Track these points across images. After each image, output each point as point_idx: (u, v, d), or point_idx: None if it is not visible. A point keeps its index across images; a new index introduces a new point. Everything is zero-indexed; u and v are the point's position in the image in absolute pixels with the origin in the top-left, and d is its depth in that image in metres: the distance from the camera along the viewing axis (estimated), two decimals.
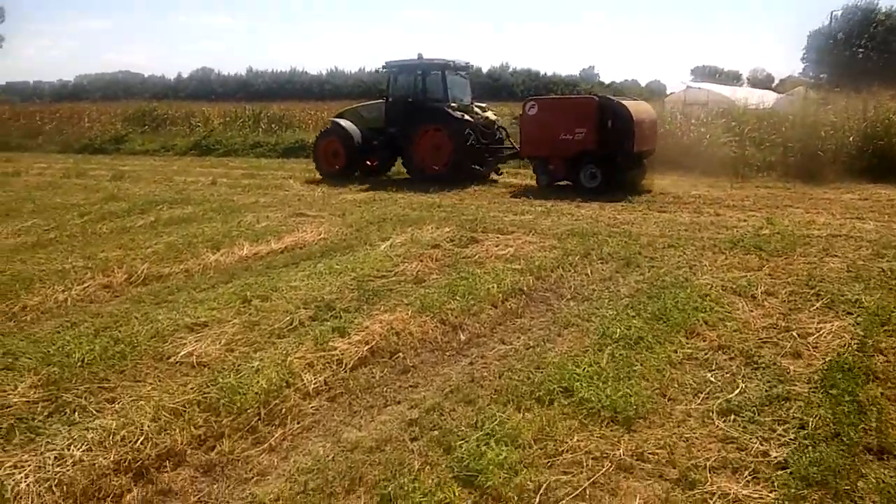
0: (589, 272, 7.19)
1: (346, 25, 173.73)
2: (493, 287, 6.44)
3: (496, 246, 8.39)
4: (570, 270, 7.25)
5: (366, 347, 4.94)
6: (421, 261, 7.65)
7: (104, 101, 45.11)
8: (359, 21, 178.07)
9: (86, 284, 6.71)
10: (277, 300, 6.09)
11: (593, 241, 8.62)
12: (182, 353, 4.86)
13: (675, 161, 16.03)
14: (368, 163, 16.77)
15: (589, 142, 13.26)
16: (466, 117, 15.06)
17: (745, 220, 10.12)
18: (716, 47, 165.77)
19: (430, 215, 10.68)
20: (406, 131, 15.41)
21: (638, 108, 13.92)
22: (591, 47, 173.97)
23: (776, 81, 57.62)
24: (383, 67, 16.66)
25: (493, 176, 16.30)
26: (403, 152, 15.77)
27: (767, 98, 24.09)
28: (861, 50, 50.19)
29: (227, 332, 5.29)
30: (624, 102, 13.53)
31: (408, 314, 5.59)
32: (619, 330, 5.21)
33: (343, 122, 16.57)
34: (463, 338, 5.29)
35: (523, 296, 6.38)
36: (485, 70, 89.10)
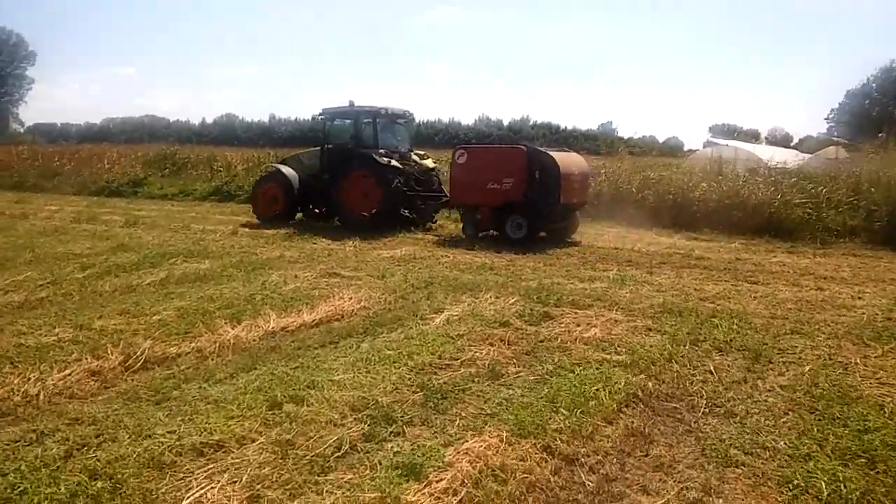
0: (712, 369, 5.59)
1: (371, 75, 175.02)
2: (599, 390, 4.87)
3: (577, 325, 6.83)
4: (686, 366, 5.66)
5: (455, 501, 3.35)
6: (491, 344, 6.10)
7: (128, 144, 44.29)
8: (383, 73, 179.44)
9: (69, 370, 5.19)
10: (316, 404, 4.55)
11: (694, 321, 7.04)
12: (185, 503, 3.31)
13: (741, 224, 14.57)
14: (316, 210, 16.68)
15: (516, 192, 12.90)
16: (394, 163, 14.77)
17: (860, 298, 8.51)
18: (732, 106, 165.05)
19: (483, 280, 9.16)
20: (336, 177, 15.29)
21: (567, 160, 13.50)
22: (609, 103, 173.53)
23: (794, 141, 56.42)
24: (319, 115, 16.43)
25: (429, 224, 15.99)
26: (333, 198, 15.45)
27: (790, 157, 22.54)
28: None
29: (251, 460, 3.74)
30: (553, 154, 13.01)
31: (499, 438, 4.01)
32: (820, 482, 3.59)
33: (283, 168, 16.72)
34: (587, 482, 3.69)
35: (642, 405, 4.79)
36: (506, 122, 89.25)
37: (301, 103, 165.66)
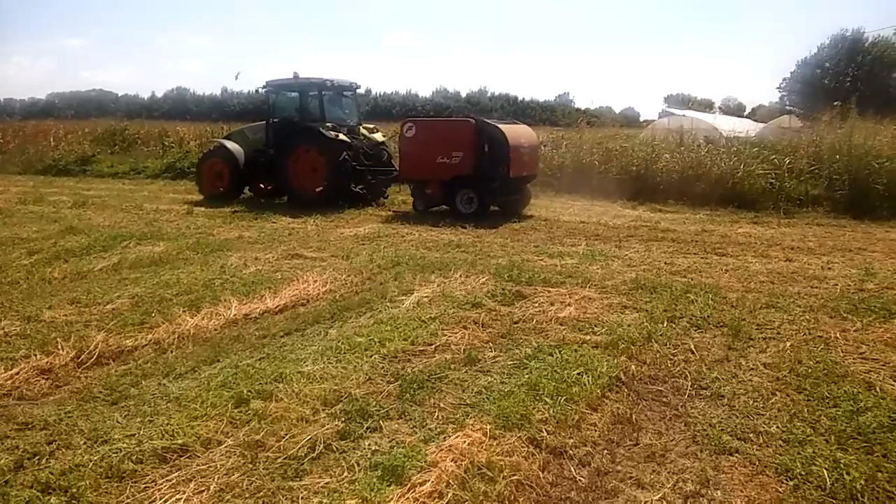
0: (693, 348, 5.45)
1: (328, 47, 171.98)
2: (581, 375, 4.68)
3: (551, 304, 6.64)
4: (666, 345, 5.51)
5: None
6: (465, 327, 5.88)
7: (76, 120, 42.61)
8: (340, 44, 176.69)
9: (17, 369, 4.83)
10: (286, 399, 4.28)
11: (669, 297, 6.91)
12: None
13: (704, 195, 14.56)
14: (262, 186, 16.32)
15: (465, 166, 12.73)
16: (342, 137, 14.49)
17: (829, 269, 8.48)
18: (686, 75, 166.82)
19: (451, 258, 8.91)
20: (282, 152, 14.90)
21: (516, 132, 13.28)
22: (566, 74, 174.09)
23: (747, 110, 57.15)
24: (263, 87, 15.81)
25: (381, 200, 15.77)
26: (280, 174, 15.08)
27: (746, 126, 22.66)
28: (848, 80, 49.60)
29: (218, 465, 3.47)
30: (501, 126, 12.81)
31: (482, 432, 3.79)
32: (821, 469, 3.45)
33: (228, 143, 16.21)
34: (578, 477, 3.49)
35: (626, 389, 4.62)
36: (463, 94, 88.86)
37: (255, 76, 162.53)
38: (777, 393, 4.55)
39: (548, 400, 4.24)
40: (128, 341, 5.46)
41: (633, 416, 4.21)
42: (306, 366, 4.85)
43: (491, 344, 5.51)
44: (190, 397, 4.31)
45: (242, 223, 12.30)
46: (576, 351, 5.22)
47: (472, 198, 12.92)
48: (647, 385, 4.71)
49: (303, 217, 13.00)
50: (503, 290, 7.13)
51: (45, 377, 4.82)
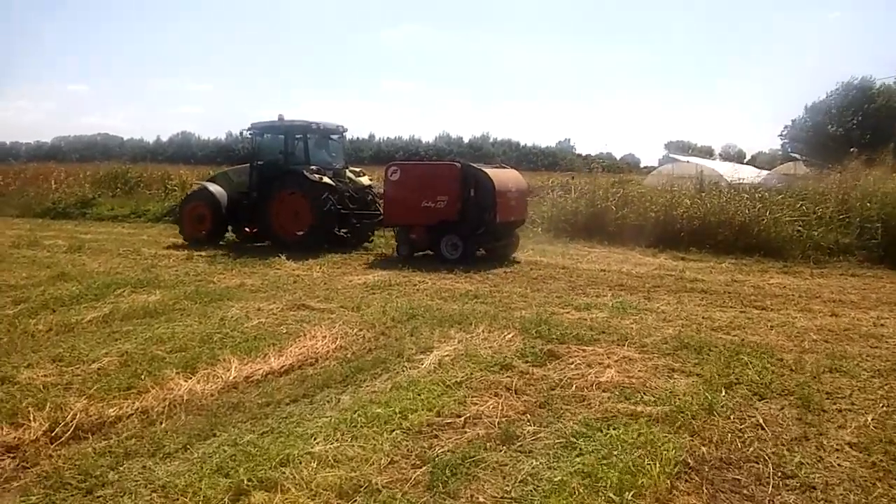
0: (762, 422, 4.72)
1: (327, 94, 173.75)
2: (643, 459, 3.96)
3: (588, 366, 5.93)
4: (730, 419, 4.78)
5: None
6: (496, 394, 5.17)
7: (80, 164, 42.22)
8: (340, 91, 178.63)
9: None
10: (294, 490, 3.56)
11: (718, 359, 6.19)
12: None
13: (727, 242, 13.91)
14: (246, 229, 15.75)
15: (451, 211, 12.33)
16: (326, 180, 14.12)
17: (882, 325, 7.80)
18: (686, 123, 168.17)
19: (471, 310, 8.21)
20: (265, 195, 14.58)
21: (504, 176, 12.95)
22: (567, 120, 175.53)
23: (747, 157, 56.93)
24: (248, 129, 15.73)
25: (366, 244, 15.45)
26: (262, 217, 14.75)
27: (750, 173, 22.14)
28: (855, 126, 49.34)
29: None
30: (487, 170, 12.51)
31: None
32: None
33: (210, 186, 15.91)
34: None
35: (696, 477, 3.89)
36: (466, 140, 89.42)
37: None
38: (877, 483, 3.82)
39: (612, 496, 3.51)
40: (111, 410, 4.74)
41: None
42: (317, 444, 4.14)
43: (528, 416, 4.78)
44: (179, 487, 3.59)
45: (245, 269, 11.63)
46: (629, 426, 4.50)
47: (457, 243, 12.48)
48: (720, 472, 3.97)
49: (308, 263, 12.35)
50: (533, 348, 6.42)
51: (11, 455, 4.11)
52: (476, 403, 4.95)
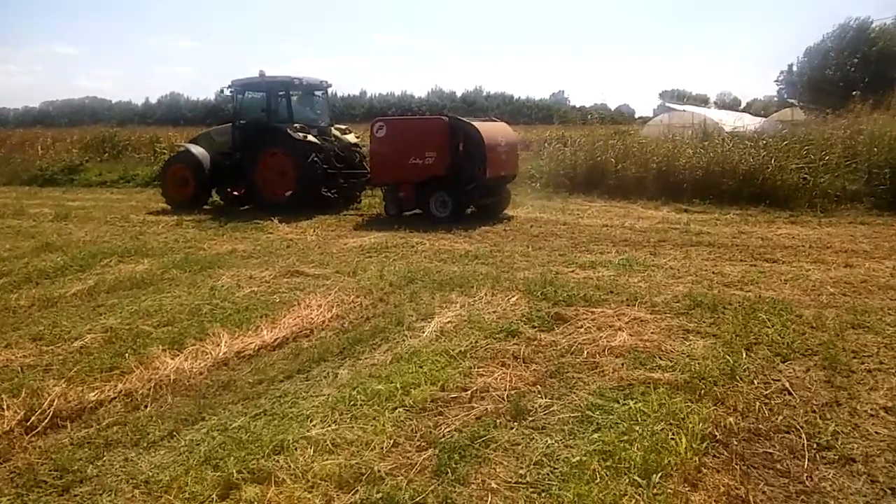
0: (789, 386, 4.42)
1: (317, 51, 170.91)
2: (666, 432, 3.66)
3: (598, 329, 5.62)
4: (754, 383, 4.48)
5: None
6: (503, 364, 4.86)
7: (68, 128, 41.36)
8: (328, 47, 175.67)
9: None
10: (289, 481, 3.25)
11: (734, 317, 5.88)
12: None
13: (731, 192, 13.53)
14: (235, 193, 15.12)
15: (439, 167, 11.87)
16: (311, 139, 13.62)
17: None
18: (680, 72, 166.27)
19: (472, 272, 7.87)
20: (249, 156, 14.00)
21: (493, 129, 12.50)
22: (560, 72, 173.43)
23: (742, 105, 56.20)
24: (228, 87, 14.85)
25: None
26: (246, 178, 14.27)
27: (747, 121, 21.67)
28: (853, 70, 48.51)
29: None
30: (476, 124, 12.04)
31: None
32: None
33: (192, 148, 15.14)
34: None
35: (725, 451, 3.59)
36: (459, 94, 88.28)
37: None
38: None
39: (636, 478, 3.21)
40: (92, 394, 4.42)
41: (749, 496, 3.17)
42: (313, 427, 3.83)
43: (539, 387, 4.47)
44: (163, 482, 3.29)
45: (236, 235, 11.25)
46: (647, 396, 4.20)
47: (447, 201, 12.07)
48: (750, 445, 3.67)
49: (302, 226, 11.99)
50: (539, 311, 6.11)
51: None
52: (482, 375, 4.64)
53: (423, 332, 5.63)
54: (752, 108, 44.77)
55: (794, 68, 56.19)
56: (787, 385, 4.45)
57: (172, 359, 5.02)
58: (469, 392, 4.37)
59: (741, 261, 8.49)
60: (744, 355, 4.95)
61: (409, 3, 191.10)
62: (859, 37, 50.02)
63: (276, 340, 5.49)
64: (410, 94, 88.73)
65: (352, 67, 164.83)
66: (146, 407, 4.31)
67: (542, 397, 4.30)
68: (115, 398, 4.42)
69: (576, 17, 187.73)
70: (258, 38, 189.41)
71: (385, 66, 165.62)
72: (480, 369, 4.75)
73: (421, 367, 4.79)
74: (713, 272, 7.81)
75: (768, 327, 5.59)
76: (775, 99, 56.16)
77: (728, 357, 4.87)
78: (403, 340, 5.48)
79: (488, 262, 8.63)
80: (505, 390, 4.39)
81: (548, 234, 10.80)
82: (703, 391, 4.29)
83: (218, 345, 5.31)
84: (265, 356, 5.23)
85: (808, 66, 51.79)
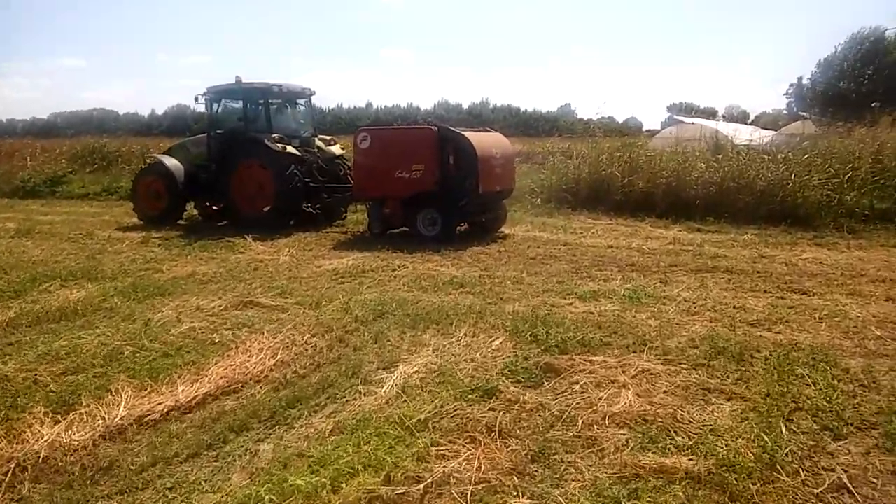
0: (847, 481, 3.30)
1: (326, 65, 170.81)
2: None
3: (597, 385, 4.52)
4: (801, 476, 3.36)
5: None
6: (473, 439, 3.76)
7: (74, 139, 40.31)
8: (338, 61, 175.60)
9: None
10: None
11: (767, 371, 4.77)
12: None
13: (748, 210, 12.42)
14: (214, 207, 14.32)
15: (427, 181, 10.86)
16: (290, 149, 12.61)
17: None
18: (687, 85, 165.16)
19: (453, 304, 6.78)
20: (225, 168, 13.02)
21: (486, 140, 11.47)
22: (567, 84, 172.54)
23: (751, 118, 55.00)
24: (203, 94, 13.75)
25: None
26: (221, 192, 13.24)
27: (758, 135, 20.54)
28: (866, 81, 47.36)
29: None
30: (467, 134, 10.98)
31: None
32: None
33: (166, 159, 14.15)
34: None
35: None
36: (465, 106, 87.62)
37: None
38: None
39: None
40: None
41: None
42: None
43: (517, 478, 3.37)
44: None
45: (203, 254, 10.19)
46: (661, 496, 3.09)
47: (436, 218, 11.07)
48: None
49: (277, 244, 10.94)
50: (526, 360, 5.01)
51: None
52: (444, 457, 3.55)
53: (381, 388, 4.55)
54: (761, 122, 43.62)
55: (805, 80, 55.17)
56: (845, 478, 3.33)
57: (52, 426, 3.93)
58: (421, 486, 3.27)
59: (766, 292, 7.37)
60: (783, 430, 3.83)
61: (417, 19, 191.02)
62: (873, 48, 48.95)
63: (193, 399, 4.39)
64: (417, 106, 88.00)
65: (360, 81, 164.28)
66: None
67: (518, 496, 3.20)
68: None
69: (583, 31, 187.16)
70: (269, 53, 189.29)
71: (393, 78, 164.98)
72: (442, 448, 3.65)
73: (366, 443, 3.69)
74: (734, 307, 6.70)
75: (809, 386, 4.48)
76: (784, 112, 55.05)
77: (764, 434, 3.75)
78: (354, 400, 4.39)
79: (475, 290, 7.53)
80: (470, 484, 3.29)
81: (546, 256, 9.69)
82: (734, 489, 3.18)
83: (117, 405, 4.22)
84: (173, 422, 4.13)
85: (822, 78, 50.63)
